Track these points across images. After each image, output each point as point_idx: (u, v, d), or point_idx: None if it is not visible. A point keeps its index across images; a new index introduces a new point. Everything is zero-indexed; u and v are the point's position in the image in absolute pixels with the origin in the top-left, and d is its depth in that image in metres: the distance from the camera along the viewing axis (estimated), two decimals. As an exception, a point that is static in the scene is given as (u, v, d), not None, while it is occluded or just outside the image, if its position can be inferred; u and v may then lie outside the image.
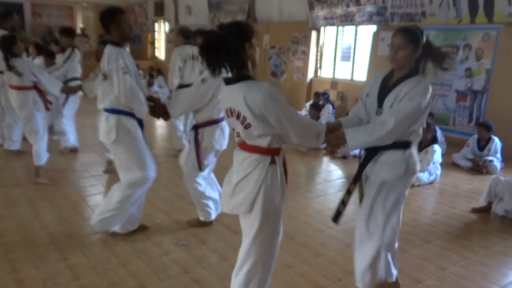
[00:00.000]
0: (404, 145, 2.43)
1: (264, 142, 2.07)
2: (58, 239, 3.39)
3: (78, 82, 5.78)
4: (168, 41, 16.32)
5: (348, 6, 9.17)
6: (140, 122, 3.30)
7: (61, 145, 6.06)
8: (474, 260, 3.37)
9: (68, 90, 5.31)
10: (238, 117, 2.05)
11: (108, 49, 3.11)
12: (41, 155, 4.70)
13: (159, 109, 3.34)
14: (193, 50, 5.51)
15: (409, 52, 2.32)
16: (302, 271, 3.09)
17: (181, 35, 5.72)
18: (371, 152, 2.48)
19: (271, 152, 2.11)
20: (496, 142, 5.97)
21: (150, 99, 3.32)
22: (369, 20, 8.87)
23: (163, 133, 8.05)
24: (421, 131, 2.49)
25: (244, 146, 2.14)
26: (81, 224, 3.71)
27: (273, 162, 2.12)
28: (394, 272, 2.66)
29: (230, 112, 2.09)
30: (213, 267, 3.06)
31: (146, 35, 17.71)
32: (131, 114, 3.21)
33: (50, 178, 4.79)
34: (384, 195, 2.48)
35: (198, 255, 3.24)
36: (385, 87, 2.44)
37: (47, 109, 4.98)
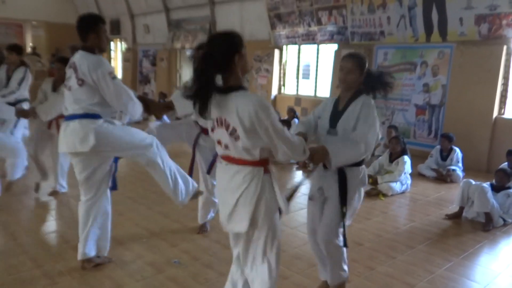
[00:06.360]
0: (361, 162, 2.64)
1: (254, 155, 2.04)
2: (43, 263, 3.22)
3: (27, 104, 5.28)
4: (125, 60, 16.06)
5: (309, 25, 9.50)
6: None
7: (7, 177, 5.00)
8: (456, 262, 3.55)
9: (23, 114, 4.83)
10: (227, 128, 2.01)
11: (86, 57, 2.88)
12: None
13: (152, 107, 3.15)
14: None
15: (357, 75, 2.58)
16: (299, 281, 3.13)
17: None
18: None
19: (263, 163, 2.08)
20: (457, 152, 6.33)
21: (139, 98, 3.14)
22: (331, 39, 9.22)
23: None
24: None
25: (231, 160, 2.10)
26: (63, 247, 3.54)
27: (266, 171, 2.10)
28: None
29: (220, 122, 2.06)
30: (212, 283, 3.02)
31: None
32: (108, 120, 2.96)
33: (20, 200, 4.53)
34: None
35: (193, 272, 3.18)
36: (336, 110, 2.67)
37: None
